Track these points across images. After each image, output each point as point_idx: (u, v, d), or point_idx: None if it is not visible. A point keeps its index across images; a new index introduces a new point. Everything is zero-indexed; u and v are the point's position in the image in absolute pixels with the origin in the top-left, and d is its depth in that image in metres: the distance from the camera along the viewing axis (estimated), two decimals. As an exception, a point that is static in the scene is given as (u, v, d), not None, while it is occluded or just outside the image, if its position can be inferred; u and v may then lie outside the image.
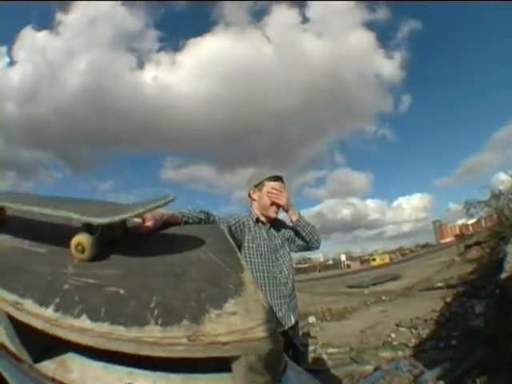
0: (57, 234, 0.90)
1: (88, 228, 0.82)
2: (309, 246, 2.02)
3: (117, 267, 0.80)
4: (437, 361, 3.49)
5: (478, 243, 14.77)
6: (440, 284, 10.04)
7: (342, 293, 14.46)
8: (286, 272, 1.87)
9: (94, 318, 0.63)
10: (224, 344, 0.58)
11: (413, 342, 4.60)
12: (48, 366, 0.69)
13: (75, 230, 0.82)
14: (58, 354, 0.71)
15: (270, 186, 1.88)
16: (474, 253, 14.60)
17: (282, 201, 1.85)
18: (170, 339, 0.59)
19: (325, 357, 4.49)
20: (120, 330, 0.60)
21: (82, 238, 0.80)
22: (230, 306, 0.65)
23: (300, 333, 2.16)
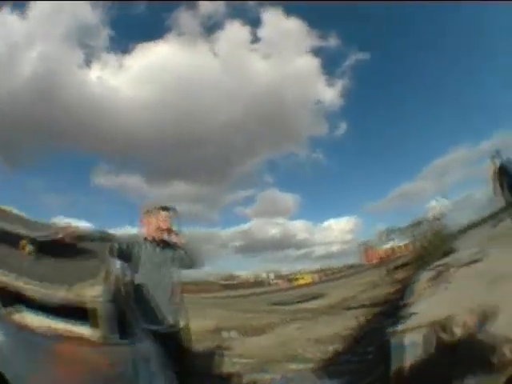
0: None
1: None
2: (191, 265, 2.57)
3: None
4: (345, 374, 3.64)
5: (403, 265, 15.31)
6: (364, 303, 10.11)
7: (265, 310, 14.22)
8: (167, 281, 2.38)
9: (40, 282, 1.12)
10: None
11: (327, 356, 4.60)
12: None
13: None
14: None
15: (160, 214, 2.45)
16: (399, 275, 15.25)
17: (166, 226, 2.44)
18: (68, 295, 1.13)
19: (237, 366, 4.63)
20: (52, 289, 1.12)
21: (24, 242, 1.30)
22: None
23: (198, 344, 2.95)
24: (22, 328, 1.02)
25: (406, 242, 15.21)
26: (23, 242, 1.22)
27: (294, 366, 4.36)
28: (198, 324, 8.48)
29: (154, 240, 2.43)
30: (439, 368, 1.83)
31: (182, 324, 2.41)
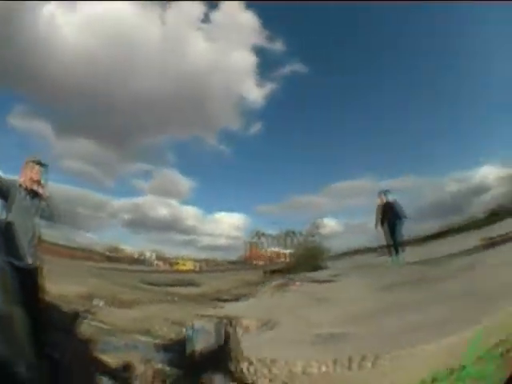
0: None
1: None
2: (50, 218, 3.02)
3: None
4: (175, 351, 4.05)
5: (280, 271, 16.08)
6: (231, 298, 11.04)
7: (138, 287, 14.47)
8: (30, 225, 2.81)
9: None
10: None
11: (176, 336, 5.07)
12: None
13: None
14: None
15: (34, 167, 2.91)
16: (274, 278, 16.31)
17: (37, 178, 2.90)
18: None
19: (92, 329, 5.00)
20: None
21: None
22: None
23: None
24: None
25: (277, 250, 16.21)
26: None
27: (142, 338, 4.80)
28: (73, 289, 8.67)
29: (26, 188, 2.89)
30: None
31: (37, 264, 2.90)
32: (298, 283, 7.39)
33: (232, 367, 1.52)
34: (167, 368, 3.41)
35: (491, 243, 7.34)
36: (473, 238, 8.90)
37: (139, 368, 3.41)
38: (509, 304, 2.19)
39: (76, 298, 7.81)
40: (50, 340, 3.13)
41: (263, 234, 14.43)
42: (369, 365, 1.24)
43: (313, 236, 14.97)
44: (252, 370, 1.47)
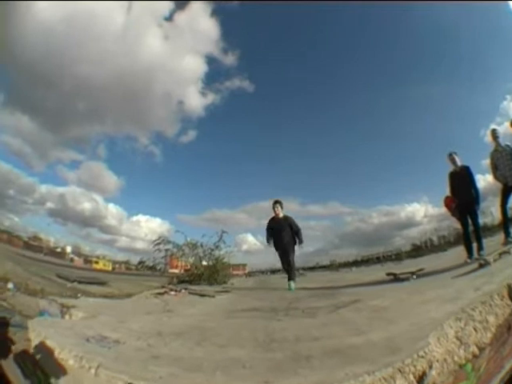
0: None
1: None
2: None
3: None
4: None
5: (183, 281, 15.83)
6: None
7: (49, 279, 15.17)
8: None
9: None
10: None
11: None
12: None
13: None
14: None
15: None
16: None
17: None
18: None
19: None
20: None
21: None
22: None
23: None
24: None
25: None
26: None
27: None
28: (-12, 267, 9.28)
29: None
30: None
31: None
32: (181, 293, 7.86)
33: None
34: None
35: (393, 279, 7.32)
36: (385, 270, 8.71)
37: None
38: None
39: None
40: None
41: (167, 242, 13.55)
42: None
43: (216, 249, 14.56)
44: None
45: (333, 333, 3.23)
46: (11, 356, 2.47)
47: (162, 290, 8.49)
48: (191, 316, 4.82)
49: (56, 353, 2.52)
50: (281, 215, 8.58)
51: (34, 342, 2.77)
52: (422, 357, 2.19)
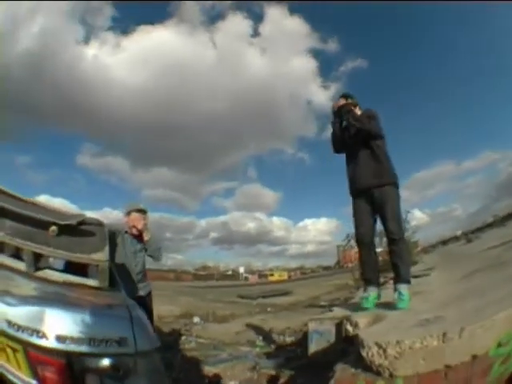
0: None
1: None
2: (153, 257, 3.33)
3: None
4: (279, 356, 4.30)
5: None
6: (323, 303, 10.66)
7: (232, 302, 14.77)
8: (140, 266, 3.22)
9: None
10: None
11: (275, 345, 5.15)
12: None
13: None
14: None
15: (134, 215, 3.17)
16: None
17: (138, 226, 3.14)
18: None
19: (192, 344, 5.35)
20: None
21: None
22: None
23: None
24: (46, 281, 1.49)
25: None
26: (53, 227, 1.52)
27: (242, 348, 4.93)
28: (168, 309, 9.07)
29: (131, 233, 3.18)
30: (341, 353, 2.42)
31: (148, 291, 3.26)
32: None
33: (364, 353, 1.81)
34: (273, 372, 3.66)
35: None
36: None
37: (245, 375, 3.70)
38: None
39: (172, 317, 8.22)
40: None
41: (352, 236, 12.97)
42: (456, 337, 1.66)
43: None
44: (381, 352, 1.76)
45: None
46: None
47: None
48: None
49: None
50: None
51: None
52: None
